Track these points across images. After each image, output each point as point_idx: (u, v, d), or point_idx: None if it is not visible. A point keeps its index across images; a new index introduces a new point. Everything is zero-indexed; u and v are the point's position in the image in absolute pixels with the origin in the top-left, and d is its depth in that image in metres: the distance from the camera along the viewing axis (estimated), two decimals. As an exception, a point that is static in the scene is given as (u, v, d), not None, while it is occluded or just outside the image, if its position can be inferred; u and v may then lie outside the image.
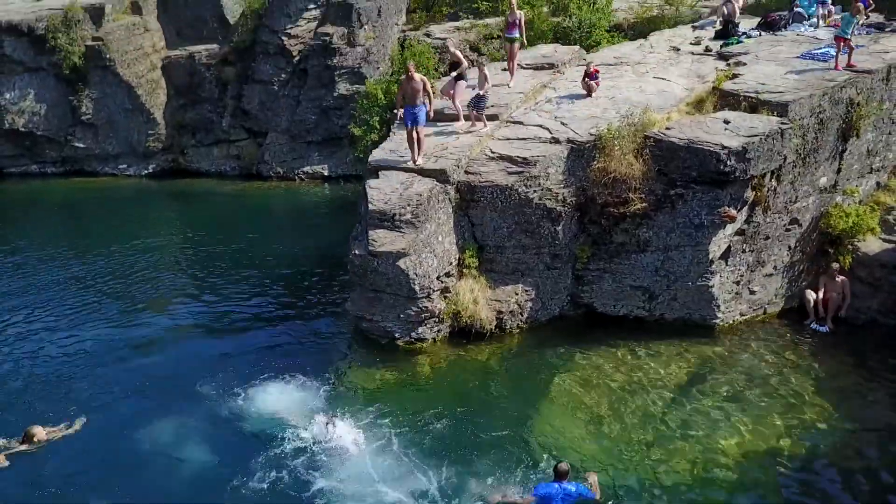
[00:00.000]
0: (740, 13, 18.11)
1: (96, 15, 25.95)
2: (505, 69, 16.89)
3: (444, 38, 25.26)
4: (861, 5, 14.47)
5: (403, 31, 27.87)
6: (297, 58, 25.80)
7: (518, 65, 16.54)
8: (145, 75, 26.47)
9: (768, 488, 9.33)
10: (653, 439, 10.17)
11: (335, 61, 25.20)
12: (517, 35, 16.01)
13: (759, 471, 9.57)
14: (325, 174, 26.59)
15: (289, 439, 10.21)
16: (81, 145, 26.95)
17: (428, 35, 25.95)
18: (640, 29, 23.64)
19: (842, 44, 13.78)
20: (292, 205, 24.77)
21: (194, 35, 27.37)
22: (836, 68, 13.78)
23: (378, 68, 25.80)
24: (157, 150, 27.39)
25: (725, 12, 17.75)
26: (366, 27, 25.49)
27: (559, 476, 8.76)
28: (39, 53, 25.73)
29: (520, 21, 15.95)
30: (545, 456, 9.76)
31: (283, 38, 25.48)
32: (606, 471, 9.48)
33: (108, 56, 25.48)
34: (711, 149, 11.88)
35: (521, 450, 9.95)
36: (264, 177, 26.82)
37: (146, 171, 27.52)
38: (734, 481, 9.36)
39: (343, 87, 25.46)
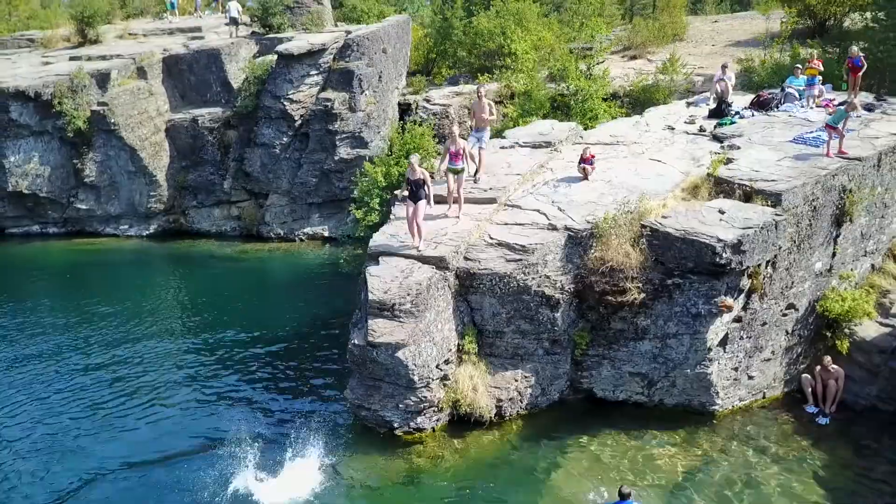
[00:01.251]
0: (733, 89, 18.55)
1: (102, 80, 26.53)
2: (505, 147, 17.25)
3: (446, 105, 25.90)
4: (857, 103, 14.84)
5: (403, 94, 28.51)
6: (298, 122, 26.30)
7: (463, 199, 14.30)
8: (149, 138, 26.91)
9: None
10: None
11: (336, 126, 25.70)
12: (461, 166, 13.96)
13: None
14: (326, 235, 26.89)
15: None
16: (83, 206, 27.28)
17: (427, 101, 26.52)
18: (636, 97, 24.24)
19: (832, 132, 14.09)
20: (293, 267, 24.91)
21: (198, 99, 27.91)
22: (827, 155, 14.07)
23: (378, 132, 26.31)
24: (159, 211, 27.71)
25: (719, 90, 18.18)
26: (367, 92, 26.04)
27: (622, 497, 9.63)
28: (45, 117, 26.22)
29: (463, 151, 13.97)
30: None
31: (286, 102, 25.99)
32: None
33: (112, 120, 25.97)
34: (707, 241, 12.06)
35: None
36: (265, 238, 27.12)
37: (147, 232, 27.79)
38: None
39: (344, 151, 25.91)
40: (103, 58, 27.94)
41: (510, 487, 11.30)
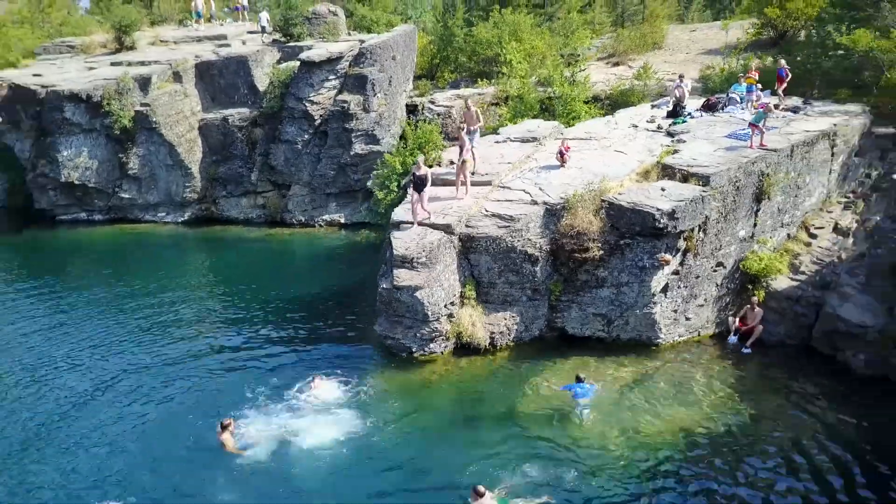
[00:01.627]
0: (689, 95, 23.08)
1: (144, 84, 30.98)
2: (499, 141, 21.77)
3: (449, 106, 30.41)
4: (773, 105, 19.35)
5: (411, 96, 33.01)
6: (318, 121, 30.76)
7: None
8: (184, 135, 31.36)
9: (678, 450, 13.61)
10: (604, 417, 14.54)
11: (352, 125, 30.18)
12: (470, 156, 18.93)
13: (679, 438, 13.88)
14: (342, 222, 31.38)
15: (337, 421, 14.58)
16: (126, 196, 31.73)
17: (432, 102, 31.01)
18: (615, 99, 28.72)
19: (755, 129, 18.59)
20: (313, 248, 29.35)
21: (227, 100, 32.36)
22: (750, 147, 18.56)
23: (389, 130, 30.78)
24: (193, 200, 32.16)
25: (677, 95, 22.70)
26: (378, 95, 30.53)
27: (578, 380, 14.89)
28: (94, 116, 30.63)
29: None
30: (522, 432, 14.10)
31: (307, 104, 30.46)
32: (571, 435, 13.84)
33: (153, 119, 30.39)
34: (650, 210, 16.53)
35: (503, 428, 14.30)
36: (287, 224, 31.58)
37: (182, 219, 32.26)
38: (655, 443, 13.67)
39: (358, 147, 30.40)
40: (143, 63, 32.37)
41: (498, 391, 15.76)
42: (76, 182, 31.29)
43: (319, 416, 14.73)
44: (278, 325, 20.25)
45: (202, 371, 17.58)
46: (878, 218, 17.47)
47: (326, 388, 15.69)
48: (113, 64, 33.06)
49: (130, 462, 13.78)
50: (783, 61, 22.08)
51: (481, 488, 11.65)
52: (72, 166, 31.06)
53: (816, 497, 12.24)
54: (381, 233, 28.47)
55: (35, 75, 32.22)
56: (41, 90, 30.59)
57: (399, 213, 18.14)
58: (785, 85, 21.54)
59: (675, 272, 17.47)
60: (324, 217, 31.46)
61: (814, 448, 13.59)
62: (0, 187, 35.23)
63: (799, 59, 24.66)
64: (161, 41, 36.26)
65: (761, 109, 19.03)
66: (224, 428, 14.04)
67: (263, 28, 33.95)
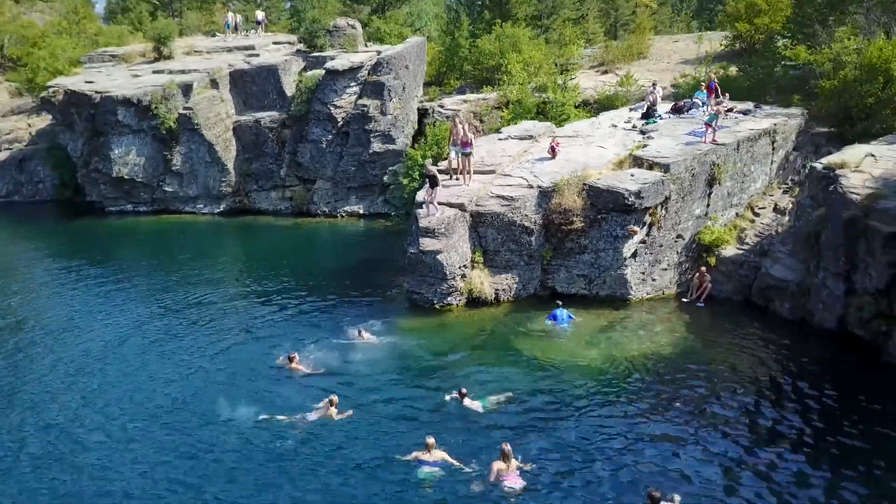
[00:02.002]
0: (661, 100, 28.32)
1: (186, 90, 36.25)
2: (501, 139, 27.01)
3: (455, 110, 35.61)
4: (723, 109, 24.56)
5: (421, 101, 38.29)
6: (340, 123, 35.98)
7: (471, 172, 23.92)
8: (221, 135, 36.62)
9: (641, 368, 18.61)
10: (584, 349, 19.62)
11: (371, 126, 35.43)
12: (470, 150, 23.49)
13: (642, 363, 18.86)
14: (361, 213, 36.60)
15: (373, 348, 19.70)
16: (169, 189, 36.94)
17: (441, 106, 36.23)
18: (602, 104, 33.94)
19: (708, 128, 23.79)
20: (336, 235, 34.55)
21: (258, 104, 37.63)
22: (704, 142, 23.75)
23: (403, 131, 36.03)
24: (228, 193, 37.38)
25: (650, 100, 27.92)
26: (394, 100, 35.80)
27: (557, 306, 19.83)
28: (142, 119, 35.88)
29: (472, 140, 23.44)
30: (520, 358, 19.16)
31: (331, 108, 35.69)
32: (557, 361, 18.89)
33: (195, 121, 35.63)
34: (621, 191, 21.69)
35: (506, 354, 19.38)
36: (313, 214, 36.80)
37: (218, 210, 37.46)
38: (628, 367, 18.66)
39: (376, 146, 35.64)
40: (182, 72, 37.67)
41: (499, 329, 20.94)
42: (125, 177, 36.52)
43: (367, 350, 19.77)
44: (314, 292, 24.85)
45: (255, 332, 21.51)
46: (802, 198, 22.66)
47: (368, 335, 20.59)
48: (155, 72, 38.40)
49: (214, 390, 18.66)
50: (713, 75, 27.07)
51: (464, 390, 16.22)
52: (122, 163, 36.29)
53: (746, 402, 16.84)
54: (396, 222, 33.74)
55: (88, 82, 37.51)
56: (96, 95, 35.86)
57: (421, 196, 23.31)
58: (717, 92, 26.39)
59: (643, 241, 22.61)
60: (345, 208, 36.65)
61: (747, 370, 18.39)
62: (50, 182, 40.47)
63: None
64: (195, 51, 41.56)
65: (712, 112, 24.24)
66: (290, 360, 18.72)
67: (258, 22, 40.42)
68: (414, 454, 14.21)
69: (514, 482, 13.34)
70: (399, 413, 16.38)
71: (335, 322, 22.09)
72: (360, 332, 20.62)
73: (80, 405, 17.13)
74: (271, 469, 14.28)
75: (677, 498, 12.24)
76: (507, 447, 13.69)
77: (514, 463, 13.62)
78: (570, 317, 20.89)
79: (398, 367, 18.83)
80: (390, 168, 35.53)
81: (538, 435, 15.31)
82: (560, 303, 20.99)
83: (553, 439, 15.17)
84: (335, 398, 16.22)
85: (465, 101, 36.40)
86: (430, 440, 14.21)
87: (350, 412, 16.13)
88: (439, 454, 14.11)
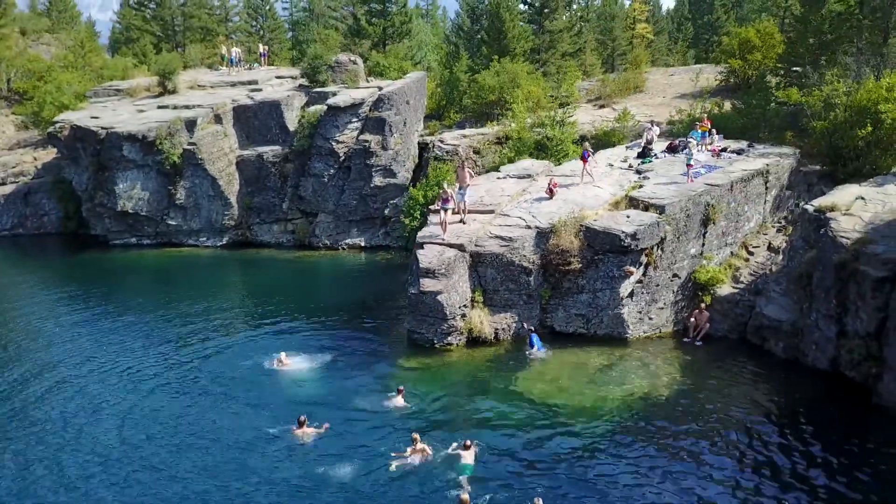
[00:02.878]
0: (657, 138, 28.97)
1: (190, 125, 36.93)
2: (500, 178, 27.65)
3: (455, 144, 36.27)
4: (716, 149, 25.22)
5: (422, 135, 38.99)
6: (342, 157, 36.63)
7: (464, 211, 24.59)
8: (224, 169, 37.24)
9: (638, 406, 19.02)
10: (583, 388, 20.02)
11: (372, 161, 36.08)
12: (451, 206, 24.05)
13: (640, 402, 19.29)
14: (363, 245, 37.14)
15: (374, 390, 20.06)
16: (173, 223, 37.49)
17: (442, 141, 36.91)
18: (599, 139, 34.60)
19: (689, 169, 24.38)
20: (338, 267, 35.03)
21: (260, 139, 38.29)
22: (689, 181, 24.31)
23: (404, 165, 36.68)
24: (230, 227, 37.93)
25: (647, 138, 28.56)
26: (395, 135, 36.48)
27: (531, 332, 21.15)
28: (147, 154, 36.52)
29: (451, 196, 24.01)
30: (520, 399, 19.56)
31: (333, 143, 36.36)
32: (557, 400, 19.29)
33: (199, 156, 36.28)
34: (617, 232, 22.23)
35: (505, 396, 19.79)
36: (314, 247, 37.33)
37: (221, 243, 37.99)
38: (625, 406, 19.09)
39: (378, 180, 36.25)
40: (187, 107, 38.36)
41: (502, 368, 21.33)
42: (129, 211, 37.09)
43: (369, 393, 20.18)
44: (316, 328, 25.43)
45: (253, 366, 22.00)
46: (794, 238, 23.21)
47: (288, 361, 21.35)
48: (160, 107, 39.11)
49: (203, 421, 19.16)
50: (587, 144, 27.14)
51: (468, 442, 16.25)
52: (126, 197, 36.88)
53: (739, 441, 17.35)
54: (397, 254, 34.30)
55: (93, 118, 38.21)
56: (102, 131, 36.56)
57: (422, 234, 23.86)
58: (588, 165, 26.26)
59: (639, 281, 23.11)
60: (347, 241, 37.19)
61: (741, 409, 18.85)
62: (55, 216, 41.02)
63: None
64: (199, 85, 42.34)
65: (689, 150, 24.82)
66: (301, 424, 17.45)
67: (262, 55, 41.66)
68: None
69: None
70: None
71: (337, 366, 22.24)
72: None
73: (82, 432, 17.95)
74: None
75: None
76: (540, 502, 14.01)
77: None
78: (541, 345, 22.19)
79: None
80: (391, 201, 36.15)
81: (542, 474, 15.72)
82: (532, 328, 22.44)
83: (557, 479, 15.58)
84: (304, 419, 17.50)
85: (464, 136, 37.11)
86: (465, 497, 14.25)
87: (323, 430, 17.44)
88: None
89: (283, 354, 21.84)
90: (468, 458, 16.11)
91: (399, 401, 19.00)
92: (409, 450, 16.31)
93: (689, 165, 24.53)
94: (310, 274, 34.49)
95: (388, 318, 26.28)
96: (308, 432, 17.39)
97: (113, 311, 27.60)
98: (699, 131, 28.09)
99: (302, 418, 17.53)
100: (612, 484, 15.47)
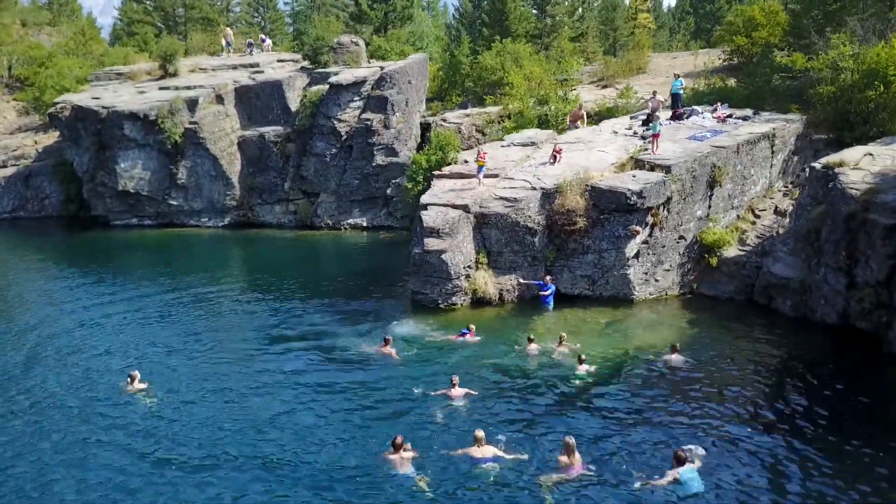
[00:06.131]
0: (662, 107, 28.84)
1: (192, 105, 36.85)
2: (504, 146, 27.54)
3: (458, 123, 36.18)
4: (659, 115, 25.19)
5: (424, 116, 38.88)
6: (344, 137, 36.52)
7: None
8: (226, 149, 37.15)
9: (645, 358, 18.80)
10: (589, 341, 19.78)
11: (374, 140, 35.96)
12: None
13: (646, 356, 19.05)
14: (364, 225, 36.99)
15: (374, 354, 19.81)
16: (174, 203, 37.36)
17: (444, 120, 36.81)
18: (602, 115, 34.48)
19: (655, 139, 24.21)
20: (340, 246, 34.86)
21: (262, 119, 38.21)
22: (653, 152, 24.08)
23: (406, 144, 36.56)
24: (232, 207, 37.79)
25: (651, 107, 28.42)
26: (397, 114, 36.38)
27: (545, 283, 21.48)
28: (148, 133, 36.43)
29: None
30: (524, 357, 19.35)
31: (335, 122, 36.27)
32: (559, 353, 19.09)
33: (200, 135, 36.18)
34: (623, 191, 22.07)
35: (510, 348, 19.56)
36: (316, 227, 37.17)
37: (222, 223, 37.84)
38: (633, 360, 18.86)
39: (380, 159, 36.13)
40: (188, 88, 38.28)
41: (505, 328, 21.11)
42: (131, 191, 36.97)
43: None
44: (323, 298, 24.96)
45: (263, 339, 21.11)
46: (802, 197, 23.04)
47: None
48: (161, 88, 39.03)
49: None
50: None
51: (480, 433, 13.80)
52: (127, 177, 36.78)
53: (750, 391, 17.07)
54: (399, 234, 34.03)
55: (94, 98, 38.14)
56: (103, 110, 36.49)
57: (426, 198, 23.70)
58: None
59: (645, 242, 22.93)
60: (349, 221, 37.05)
61: (751, 363, 18.57)
62: (56, 198, 40.93)
63: (756, 79, 30.45)
64: (200, 69, 42.28)
65: (657, 122, 24.64)
66: (397, 448, 13.63)
67: (263, 41, 41.77)
68: (464, 451, 13.73)
69: (579, 473, 13.07)
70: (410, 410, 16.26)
71: (345, 327, 21.98)
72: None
73: (85, 412, 16.44)
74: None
75: (701, 451, 12.84)
76: (571, 440, 13.37)
77: (577, 456, 13.27)
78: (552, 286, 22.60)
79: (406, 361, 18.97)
80: (393, 181, 36.02)
81: (554, 425, 15.39)
82: (550, 277, 22.49)
83: (570, 427, 15.23)
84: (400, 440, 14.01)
85: (467, 115, 37.01)
86: (480, 434, 13.72)
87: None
88: (490, 450, 13.66)
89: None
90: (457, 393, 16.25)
91: (388, 349, 18.95)
92: (474, 449, 13.84)
93: (654, 135, 24.29)
94: (313, 251, 34.31)
95: (392, 286, 26.07)
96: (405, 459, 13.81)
97: (113, 290, 26.61)
98: (681, 80, 28.15)
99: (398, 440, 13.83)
100: (617, 430, 15.05)
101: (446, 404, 16.07)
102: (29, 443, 14.81)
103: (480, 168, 24.60)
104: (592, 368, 17.87)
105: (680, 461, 12.74)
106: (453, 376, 16.63)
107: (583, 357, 18.01)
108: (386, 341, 19.17)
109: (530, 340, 19.12)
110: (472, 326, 20.11)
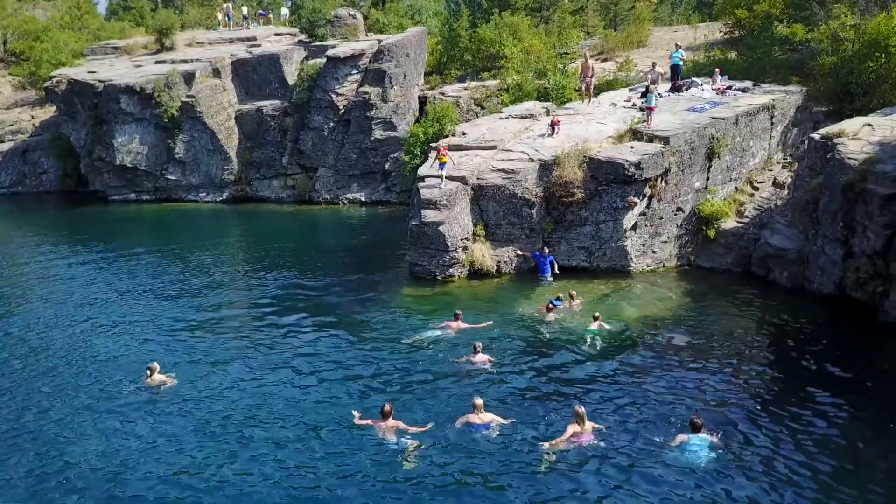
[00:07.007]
0: (661, 79, 28.69)
1: (189, 78, 36.69)
2: (502, 118, 27.44)
3: (457, 96, 36.00)
4: (654, 87, 24.94)
5: (422, 90, 38.68)
6: (342, 111, 36.39)
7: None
8: (224, 124, 37.03)
9: (644, 327, 18.87)
10: (584, 313, 19.84)
11: (372, 113, 35.82)
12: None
13: (644, 324, 19.11)
14: (363, 200, 36.95)
15: (379, 320, 19.86)
16: (172, 178, 37.32)
17: (442, 94, 36.63)
18: (602, 87, 34.27)
19: (651, 111, 24.07)
20: (338, 221, 34.85)
21: (259, 93, 38.07)
22: (648, 124, 23.97)
23: (404, 118, 36.41)
24: (230, 182, 37.76)
25: (650, 79, 28.25)
26: (395, 87, 36.21)
27: (543, 253, 20.85)
28: (145, 107, 36.32)
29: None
30: (521, 322, 19.42)
31: (333, 95, 36.11)
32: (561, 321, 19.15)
33: (197, 109, 36.06)
34: (620, 162, 22.03)
35: (507, 320, 19.63)
36: (315, 202, 37.16)
37: (221, 198, 37.83)
38: (630, 330, 18.89)
39: (378, 133, 36.01)
40: (185, 61, 38.12)
41: (502, 298, 21.17)
42: (128, 165, 36.92)
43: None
44: (321, 270, 25.07)
45: (262, 316, 20.88)
46: (801, 169, 22.99)
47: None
48: (158, 62, 38.88)
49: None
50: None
51: (478, 400, 13.70)
52: (125, 151, 36.70)
53: (744, 360, 17.20)
54: (398, 209, 33.98)
55: (90, 72, 37.96)
56: (99, 84, 36.35)
57: (423, 170, 23.66)
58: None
59: (643, 213, 22.92)
60: (347, 196, 37.03)
61: (747, 332, 18.65)
62: (54, 173, 40.91)
63: (756, 51, 30.26)
64: (197, 43, 42.05)
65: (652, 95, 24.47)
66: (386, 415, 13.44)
67: (262, 14, 41.20)
68: (463, 418, 13.57)
69: (589, 442, 12.93)
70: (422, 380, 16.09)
71: (339, 297, 22.16)
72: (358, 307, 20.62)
73: (82, 389, 16.06)
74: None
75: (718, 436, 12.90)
76: (581, 409, 13.11)
77: (588, 424, 13.10)
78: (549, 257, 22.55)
79: (402, 332, 18.99)
80: (392, 155, 35.92)
81: (558, 396, 15.41)
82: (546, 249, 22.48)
83: (571, 390, 15.35)
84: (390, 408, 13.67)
85: (465, 89, 36.82)
86: (479, 401, 13.56)
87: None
88: (489, 416, 13.54)
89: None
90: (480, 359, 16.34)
91: (479, 356, 16.71)
92: (472, 416, 13.64)
93: (649, 108, 24.16)
94: (311, 225, 34.37)
95: (390, 259, 26.11)
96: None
97: (111, 263, 26.69)
98: (680, 51, 27.98)
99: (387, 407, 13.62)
100: (622, 396, 15.13)
101: (468, 370, 16.10)
102: (40, 402, 14.91)
103: (443, 165, 22.96)
104: (606, 326, 18.48)
105: (695, 428, 12.67)
106: (476, 342, 16.68)
107: (596, 314, 18.61)
108: (475, 349, 16.60)
109: (572, 297, 20.00)
110: (573, 292, 20.26)
